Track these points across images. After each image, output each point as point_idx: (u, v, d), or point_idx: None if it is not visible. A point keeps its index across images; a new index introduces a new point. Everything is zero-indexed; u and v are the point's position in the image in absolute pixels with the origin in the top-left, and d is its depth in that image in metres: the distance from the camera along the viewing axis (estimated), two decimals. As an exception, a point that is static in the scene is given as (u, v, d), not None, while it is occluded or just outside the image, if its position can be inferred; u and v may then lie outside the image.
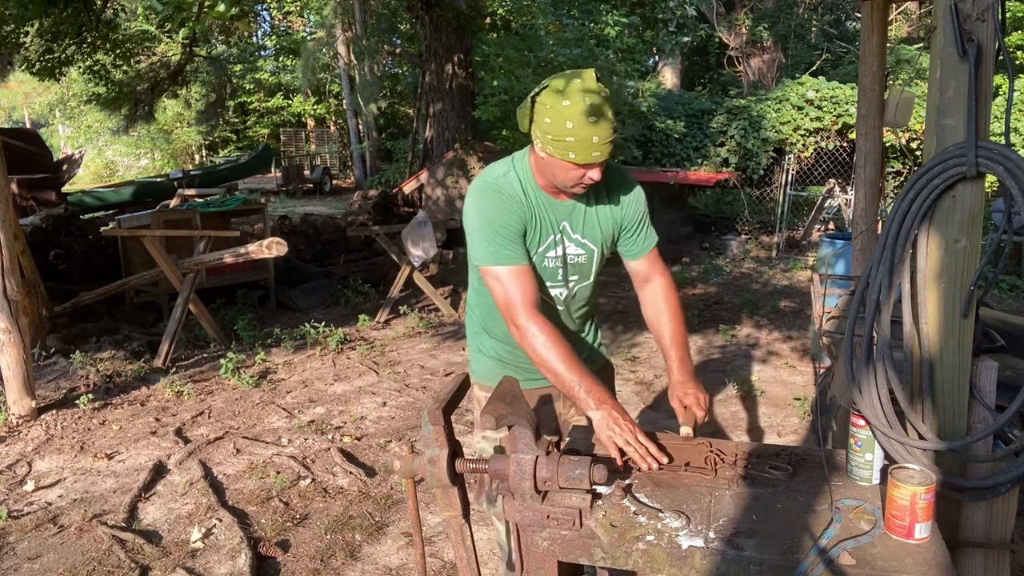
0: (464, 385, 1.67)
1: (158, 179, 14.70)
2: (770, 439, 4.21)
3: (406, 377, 5.37)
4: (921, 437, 1.66)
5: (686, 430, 1.83)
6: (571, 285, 2.03)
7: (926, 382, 1.68)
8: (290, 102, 24.46)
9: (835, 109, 12.95)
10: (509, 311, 1.84)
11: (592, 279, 2.07)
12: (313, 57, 19.84)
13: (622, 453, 1.67)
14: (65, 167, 12.37)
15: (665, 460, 1.67)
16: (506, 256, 1.85)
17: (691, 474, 1.64)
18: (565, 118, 1.70)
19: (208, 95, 14.29)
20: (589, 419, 1.75)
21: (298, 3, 19.61)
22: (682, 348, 2.03)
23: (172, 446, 4.13)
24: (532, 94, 1.79)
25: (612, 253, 2.10)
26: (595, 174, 1.78)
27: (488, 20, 11.66)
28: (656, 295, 2.10)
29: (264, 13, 21.18)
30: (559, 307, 2.05)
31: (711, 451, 1.73)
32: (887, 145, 11.06)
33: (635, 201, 2.03)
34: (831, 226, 11.20)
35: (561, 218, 1.95)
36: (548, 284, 2.00)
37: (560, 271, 1.99)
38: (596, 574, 1.55)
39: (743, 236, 11.12)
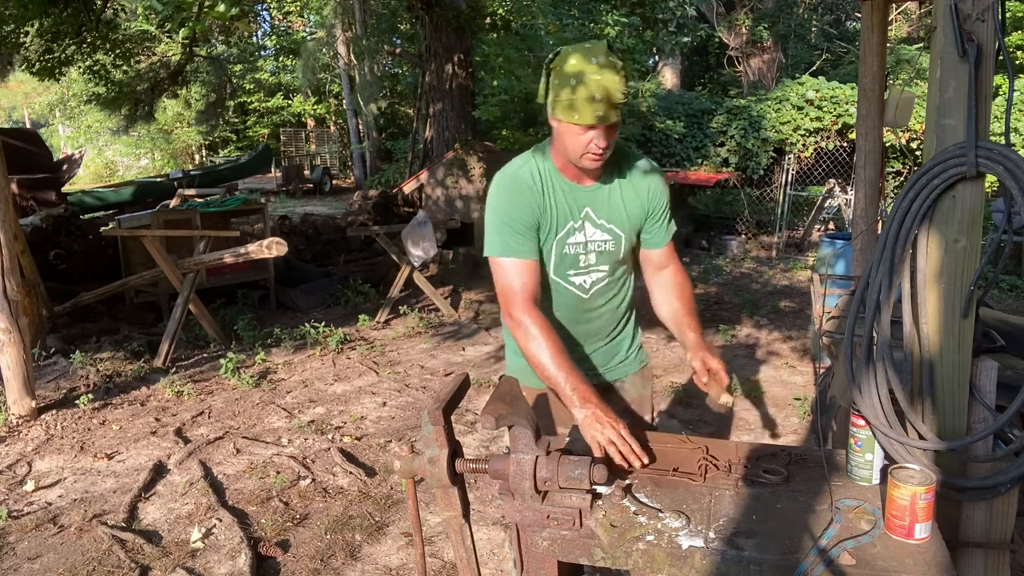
0: (464, 385, 1.67)
1: (158, 179, 14.70)
2: (770, 439, 4.21)
3: (406, 377, 5.37)
4: (921, 437, 1.66)
5: (727, 397, 1.83)
6: (596, 274, 2.01)
7: (926, 382, 1.68)
8: (290, 102, 24.46)
9: (835, 109, 12.95)
10: (507, 301, 1.88)
11: (621, 269, 2.05)
12: (313, 57, 19.85)
13: (608, 454, 1.66)
14: (65, 167, 12.37)
15: (647, 459, 1.65)
16: (512, 248, 1.89)
17: (683, 478, 1.64)
18: (570, 76, 1.73)
19: (208, 95, 14.28)
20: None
21: (298, 3, 19.61)
22: (694, 320, 2.01)
23: (172, 446, 4.13)
24: (547, 62, 1.82)
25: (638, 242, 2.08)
26: (600, 139, 1.77)
27: (488, 20, 11.66)
28: (669, 279, 2.08)
29: (264, 13, 21.20)
30: (583, 296, 2.02)
31: (705, 457, 1.72)
32: (887, 145, 11.06)
33: (660, 188, 2.02)
34: (831, 226, 11.20)
35: (583, 203, 1.94)
36: (570, 272, 1.99)
37: (583, 257, 1.98)
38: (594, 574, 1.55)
39: (743, 236, 11.12)
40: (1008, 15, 12.16)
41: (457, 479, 1.55)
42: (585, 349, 2.10)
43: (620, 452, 1.63)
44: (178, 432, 4.32)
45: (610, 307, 2.09)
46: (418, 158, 13.41)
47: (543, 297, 2.01)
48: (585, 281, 2.02)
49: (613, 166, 1.95)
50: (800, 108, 13.26)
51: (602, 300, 2.06)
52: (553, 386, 1.79)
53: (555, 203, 1.92)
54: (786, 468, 1.66)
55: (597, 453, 1.66)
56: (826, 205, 10.68)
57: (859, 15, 9.84)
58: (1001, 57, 1.59)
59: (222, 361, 5.36)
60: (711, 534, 1.42)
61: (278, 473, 3.76)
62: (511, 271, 1.89)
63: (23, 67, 8.40)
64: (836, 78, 15.41)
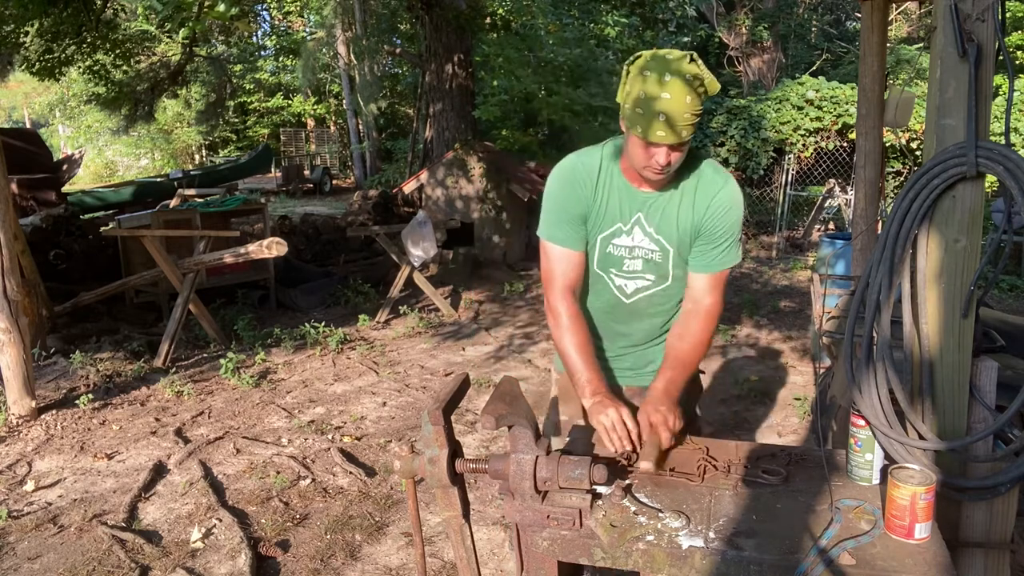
0: (464, 385, 1.67)
1: (158, 179, 14.71)
2: (770, 439, 4.21)
3: (406, 377, 5.37)
4: (921, 437, 1.66)
5: (646, 464, 1.61)
6: (641, 282, 1.94)
7: (926, 382, 1.68)
8: (290, 102, 24.46)
9: (835, 109, 12.94)
10: (546, 286, 1.96)
11: (670, 283, 1.95)
12: (313, 57, 19.85)
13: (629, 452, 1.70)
14: (65, 167, 12.38)
15: (637, 446, 1.72)
16: (557, 236, 1.92)
17: (682, 478, 1.64)
18: (640, 88, 1.66)
19: (208, 95, 14.29)
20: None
21: (298, 3, 19.61)
22: (678, 371, 1.86)
23: (172, 446, 4.13)
24: (627, 62, 1.76)
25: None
26: (660, 158, 1.70)
27: (488, 20, 11.66)
28: (689, 317, 1.92)
29: (264, 13, 21.18)
30: (624, 300, 1.97)
31: (704, 457, 1.72)
32: (887, 145, 11.06)
33: (723, 212, 1.86)
34: (831, 226, 11.20)
35: (637, 208, 1.88)
36: (613, 271, 1.95)
37: (627, 261, 1.92)
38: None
39: (743, 236, 11.10)
40: (1008, 15, 12.15)
41: (457, 479, 1.55)
42: (616, 349, 2.08)
43: (619, 436, 1.69)
44: (178, 432, 4.32)
45: (653, 316, 2.01)
46: (418, 158, 13.41)
47: (585, 286, 2.01)
48: (626, 285, 1.96)
49: (681, 177, 1.86)
50: (800, 108, 13.25)
51: (644, 308, 1.99)
52: (571, 373, 1.87)
53: (606, 201, 1.89)
54: (786, 468, 1.66)
55: (603, 436, 1.73)
56: (826, 205, 10.68)
57: (859, 15, 9.85)
58: (1001, 57, 1.59)
59: (222, 361, 5.36)
60: (711, 534, 1.42)
61: (278, 473, 3.76)
62: (553, 258, 1.93)
63: (23, 67, 8.40)
64: (836, 78, 15.41)
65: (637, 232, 1.90)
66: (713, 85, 1.70)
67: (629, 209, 1.88)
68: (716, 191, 1.86)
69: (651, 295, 1.97)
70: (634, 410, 1.79)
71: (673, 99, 1.63)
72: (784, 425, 4.40)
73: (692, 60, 1.67)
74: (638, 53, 1.74)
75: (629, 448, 1.69)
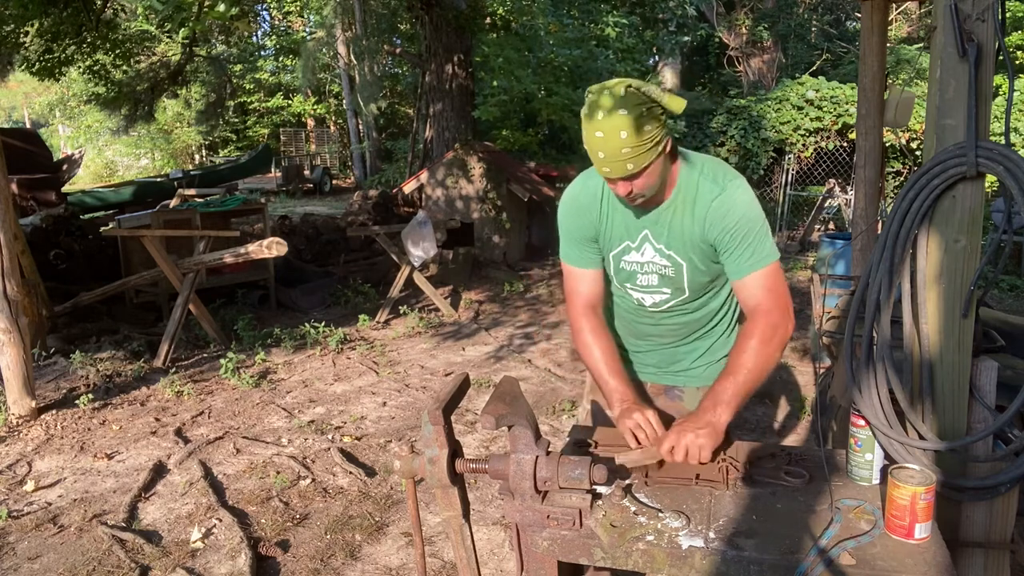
0: (464, 385, 1.67)
1: (158, 179, 14.71)
2: (770, 439, 4.21)
3: (406, 377, 5.37)
4: (921, 437, 1.66)
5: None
6: (659, 296, 1.96)
7: (926, 382, 1.68)
8: (290, 102, 24.47)
9: (835, 109, 12.95)
10: (567, 304, 2.05)
11: (692, 295, 1.95)
12: (313, 57, 19.87)
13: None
14: (65, 167, 12.40)
15: (657, 438, 1.74)
16: (571, 257, 2.01)
17: (701, 481, 1.63)
18: (584, 128, 1.68)
19: (208, 95, 14.31)
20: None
21: (298, 3, 19.63)
22: (731, 377, 1.75)
23: (172, 446, 4.13)
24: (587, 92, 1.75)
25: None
26: (619, 189, 1.71)
27: (488, 20, 11.67)
28: (746, 324, 1.84)
29: (264, 13, 21.21)
30: (647, 309, 2.00)
31: (723, 460, 1.70)
32: (887, 145, 11.05)
33: (723, 215, 1.79)
34: (831, 226, 11.20)
35: (642, 225, 1.88)
36: (628, 286, 1.98)
37: (640, 277, 1.94)
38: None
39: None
40: (1008, 15, 12.14)
41: (457, 479, 1.55)
42: (643, 345, 2.12)
43: (645, 434, 1.74)
44: (178, 432, 4.32)
45: (677, 323, 2.03)
46: (418, 158, 13.42)
47: (609, 294, 2.07)
48: (644, 298, 1.98)
49: (681, 191, 1.84)
50: (800, 108, 13.25)
51: (666, 317, 2.02)
52: (600, 385, 1.94)
53: (612, 221, 1.91)
54: (792, 469, 1.66)
55: (630, 442, 1.75)
56: (826, 205, 10.68)
57: (859, 15, 9.84)
58: (1001, 57, 1.59)
59: (222, 361, 5.35)
60: (711, 534, 1.42)
61: (278, 473, 3.76)
62: (571, 277, 2.01)
63: (23, 67, 8.42)
64: (836, 78, 15.40)
65: (647, 248, 1.91)
66: (674, 103, 1.65)
67: (635, 227, 1.90)
68: (711, 200, 1.81)
69: (672, 306, 1.98)
70: (664, 417, 1.80)
71: (606, 138, 1.62)
72: (784, 425, 4.40)
73: (629, 91, 1.62)
74: (589, 88, 1.71)
75: (647, 442, 1.73)
